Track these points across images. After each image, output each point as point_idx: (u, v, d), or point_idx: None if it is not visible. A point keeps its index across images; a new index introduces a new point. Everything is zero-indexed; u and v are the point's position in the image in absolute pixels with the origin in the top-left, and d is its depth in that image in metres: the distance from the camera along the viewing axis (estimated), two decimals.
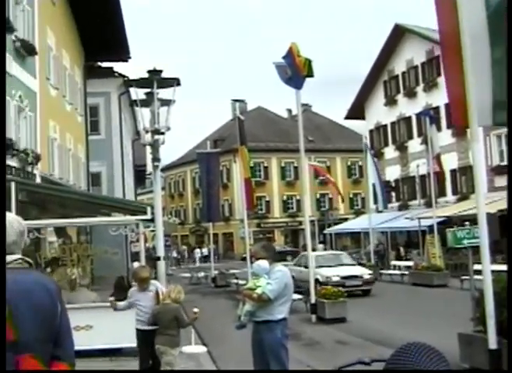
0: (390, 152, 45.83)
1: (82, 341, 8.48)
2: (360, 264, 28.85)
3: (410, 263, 31.01)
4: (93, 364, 10.32)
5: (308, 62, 15.99)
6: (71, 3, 26.61)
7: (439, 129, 34.65)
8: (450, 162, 36.20)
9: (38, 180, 19.25)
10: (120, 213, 15.76)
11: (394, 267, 32.40)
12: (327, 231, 49.83)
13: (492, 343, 8.21)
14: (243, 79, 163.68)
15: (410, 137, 43.44)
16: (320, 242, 49.03)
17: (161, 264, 11.59)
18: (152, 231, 13.56)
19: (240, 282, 24.14)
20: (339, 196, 38.78)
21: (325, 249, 41.62)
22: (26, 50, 19.08)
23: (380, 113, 46.71)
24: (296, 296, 16.00)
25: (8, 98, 17.42)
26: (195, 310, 8.60)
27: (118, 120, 33.23)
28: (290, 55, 16.07)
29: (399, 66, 44.54)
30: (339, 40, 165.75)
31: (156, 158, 11.32)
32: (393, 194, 43.77)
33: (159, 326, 8.37)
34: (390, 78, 45.80)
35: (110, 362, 11.30)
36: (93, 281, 17.77)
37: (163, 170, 61.97)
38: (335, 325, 15.88)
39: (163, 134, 11.20)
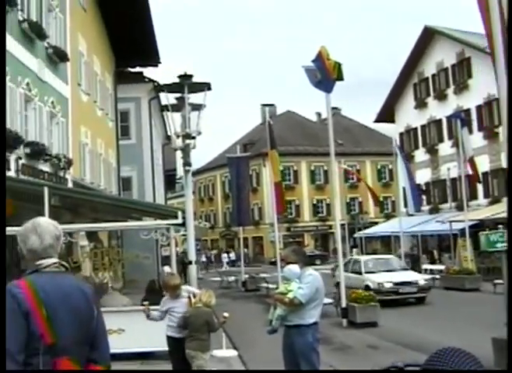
0: (420, 155, 45.47)
1: (114, 344, 8.46)
2: None
3: (442, 267, 30.71)
4: (125, 367, 10.37)
5: (338, 65, 15.93)
6: (101, 9, 26.92)
7: (470, 131, 34.30)
8: (482, 164, 35.76)
9: (70, 185, 19.47)
10: (151, 217, 15.84)
11: (426, 271, 32.09)
12: (357, 234, 49.63)
13: None
14: (272, 83, 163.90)
15: (440, 140, 43.05)
16: (354, 247, 48.90)
17: (192, 268, 11.62)
18: (183, 235, 13.58)
19: (270, 286, 24.08)
20: (375, 199, 39.31)
21: (358, 254, 41.48)
22: (58, 56, 19.34)
23: (410, 116, 46.37)
24: (327, 300, 15.88)
25: (40, 104, 17.68)
26: (226, 314, 8.57)
27: (148, 125, 33.48)
28: (320, 59, 16.03)
29: (429, 68, 44.17)
30: (368, 42, 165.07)
31: (187, 163, 11.34)
32: (423, 198, 43.40)
33: (189, 330, 8.35)
34: (420, 81, 45.45)
35: (141, 365, 11.37)
36: (124, 285, 17.92)
37: (192, 174, 62.11)
38: (366, 329, 15.78)
39: (193, 138, 11.22)
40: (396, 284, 21.32)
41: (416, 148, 45.94)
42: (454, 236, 32.71)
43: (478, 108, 37.90)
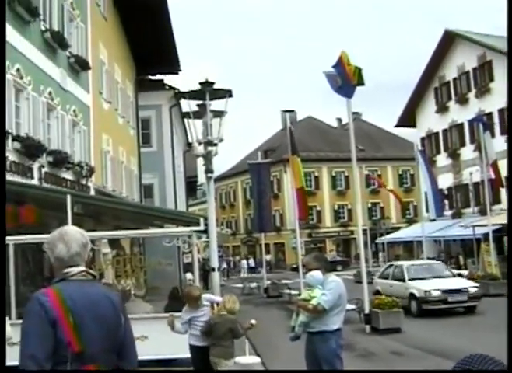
0: (442, 160, 45.20)
1: (137, 351, 8.53)
2: None
3: (465, 272, 30.43)
4: None
5: (358, 71, 15.89)
6: (121, 18, 27.14)
7: (492, 135, 34.00)
8: (505, 168, 35.47)
9: (92, 192, 19.60)
10: (173, 224, 15.88)
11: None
12: (379, 240, 49.39)
13: None
14: (292, 89, 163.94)
15: (462, 144, 42.77)
16: (376, 252, 48.74)
17: (215, 275, 11.62)
18: (206, 242, 13.60)
19: (293, 292, 24.02)
20: (399, 202, 40.36)
21: (384, 258, 41.39)
22: (80, 65, 19.52)
23: (431, 120, 46.13)
24: (350, 306, 15.73)
25: (63, 112, 17.84)
26: (253, 322, 8.52)
27: (169, 132, 33.65)
28: (340, 64, 15.99)
29: (450, 72, 43.93)
30: (388, 47, 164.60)
31: (209, 170, 11.36)
32: (446, 202, 43.10)
33: (213, 337, 8.33)
34: (441, 85, 45.21)
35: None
36: (147, 292, 17.98)
37: (214, 181, 62.21)
38: (390, 335, 15.67)
39: (215, 145, 11.24)
40: (444, 291, 19.41)
41: (438, 152, 45.68)
42: (477, 241, 32.42)
43: (501, 111, 37.57)
